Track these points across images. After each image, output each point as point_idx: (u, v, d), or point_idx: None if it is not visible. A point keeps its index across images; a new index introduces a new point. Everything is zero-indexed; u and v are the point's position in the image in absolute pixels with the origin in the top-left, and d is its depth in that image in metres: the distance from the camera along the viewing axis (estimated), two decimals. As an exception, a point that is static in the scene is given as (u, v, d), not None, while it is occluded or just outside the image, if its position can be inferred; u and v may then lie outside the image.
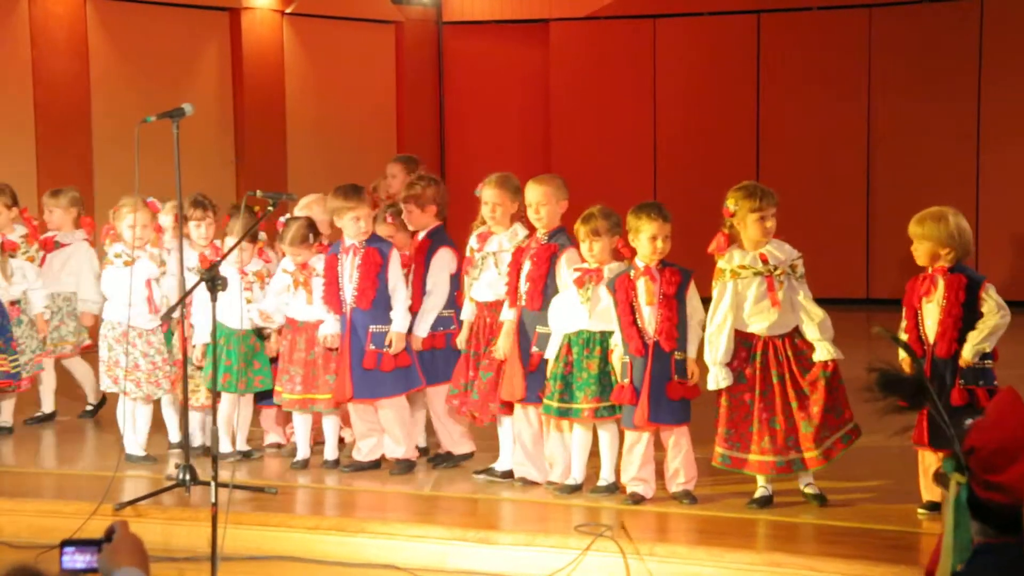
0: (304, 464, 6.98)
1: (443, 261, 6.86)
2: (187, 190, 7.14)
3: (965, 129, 13.36)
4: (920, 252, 5.77)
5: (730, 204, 5.95)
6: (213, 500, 5.54)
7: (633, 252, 6.10)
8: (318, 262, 6.96)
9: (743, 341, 5.94)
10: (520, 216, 6.59)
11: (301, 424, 7.07)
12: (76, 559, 2.76)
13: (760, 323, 5.91)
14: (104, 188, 9.58)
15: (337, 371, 6.79)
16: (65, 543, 2.78)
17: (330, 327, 6.84)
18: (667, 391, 5.95)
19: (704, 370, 6.00)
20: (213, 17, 13.05)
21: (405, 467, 6.81)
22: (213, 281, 5.96)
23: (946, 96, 13.38)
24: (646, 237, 5.99)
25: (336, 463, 6.98)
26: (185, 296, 6.48)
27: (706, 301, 6.05)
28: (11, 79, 11.41)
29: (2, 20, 11.39)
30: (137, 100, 11.42)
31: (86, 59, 11.94)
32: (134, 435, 7.08)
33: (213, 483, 5.61)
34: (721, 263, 6.00)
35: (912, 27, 13.54)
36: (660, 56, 14.47)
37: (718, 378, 5.93)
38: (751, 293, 5.91)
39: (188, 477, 6.26)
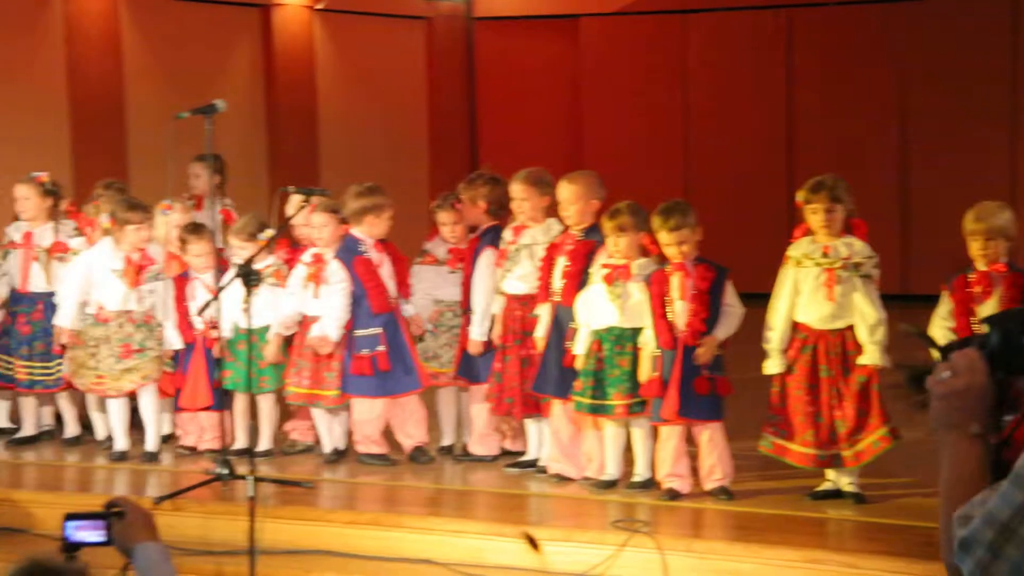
0: (336, 458, 6.95)
1: (488, 261, 6.74)
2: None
3: (998, 122, 13.25)
4: (990, 249, 5.72)
5: (799, 195, 6.02)
6: (251, 494, 5.56)
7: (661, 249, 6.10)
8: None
9: (798, 332, 5.96)
10: (555, 211, 6.55)
11: (323, 420, 6.98)
12: (90, 533, 2.74)
13: (812, 315, 5.92)
14: (139, 184, 9.62)
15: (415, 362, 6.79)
16: (69, 516, 2.76)
17: (328, 329, 6.72)
18: (695, 386, 5.95)
19: (718, 352, 5.98)
20: (244, 14, 13.07)
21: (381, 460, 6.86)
22: (247, 277, 5.97)
23: (979, 89, 13.27)
24: (662, 245, 6.02)
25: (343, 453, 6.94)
26: (219, 291, 6.48)
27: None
28: (46, 75, 11.45)
29: (36, 17, 11.44)
30: (170, 96, 11.44)
31: (120, 55, 11.97)
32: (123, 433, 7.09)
33: (251, 478, 5.63)
34: (789, 250, 6.05)
35: (942, 21, 13.44)
36: (690, 51, 14.43)
37: (770, 364, 5.96)
38: (808, 283, 5.92)
39: (226, 471, 6.30)
